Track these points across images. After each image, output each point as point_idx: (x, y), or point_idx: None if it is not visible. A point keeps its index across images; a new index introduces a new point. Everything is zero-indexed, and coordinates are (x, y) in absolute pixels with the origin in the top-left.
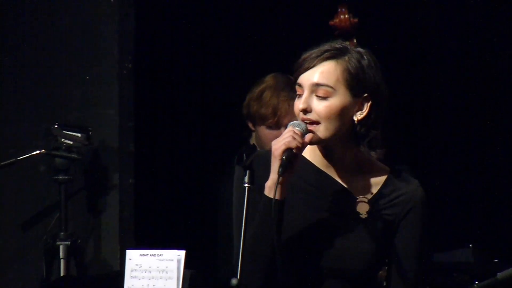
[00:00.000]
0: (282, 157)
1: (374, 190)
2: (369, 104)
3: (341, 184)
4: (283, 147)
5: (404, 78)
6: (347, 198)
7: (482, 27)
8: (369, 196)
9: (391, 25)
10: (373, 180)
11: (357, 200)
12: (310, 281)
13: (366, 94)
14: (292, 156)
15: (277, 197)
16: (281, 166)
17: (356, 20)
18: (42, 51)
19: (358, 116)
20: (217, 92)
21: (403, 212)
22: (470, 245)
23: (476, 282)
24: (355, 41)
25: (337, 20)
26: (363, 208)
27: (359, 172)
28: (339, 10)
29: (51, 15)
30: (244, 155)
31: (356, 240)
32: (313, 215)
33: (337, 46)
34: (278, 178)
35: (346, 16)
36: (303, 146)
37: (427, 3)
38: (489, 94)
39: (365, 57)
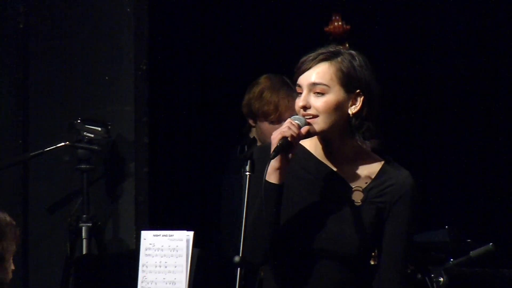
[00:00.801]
0: (277, 143)
1: (369, 179)
2: (361, 99)
3: (338, 174)
4: (279, 136)
5: (390, 76)
6: (343, 187)
7: (468, 34)
8: (364, 185)
9: (379, 31)
10: (368, 170)
11: (353, 188)
12: (305, 261)
13: (358, 90)
14: (287, 143)
15: (274, 181)
16: (274, 150)
17: (348, 27)
18: (67, 56)
19: (352, 110)
20: (222, 91)
21: (394, 200)
22: (446, 226)
23: (451, 260)
24: (347, 45)
25: (331, 26)
26: (357, 196)
27: (355, 162)
28: (333, 18)
29: (77, 24)
30: (245, 147)
31: (350, 225)
32: (311, 201)
33: (331, 49)
34: (271, 159)
35: (340, 23)
36: (298, 136)
37: (412, 11)
38: (464, 84)
39: (356, 58)
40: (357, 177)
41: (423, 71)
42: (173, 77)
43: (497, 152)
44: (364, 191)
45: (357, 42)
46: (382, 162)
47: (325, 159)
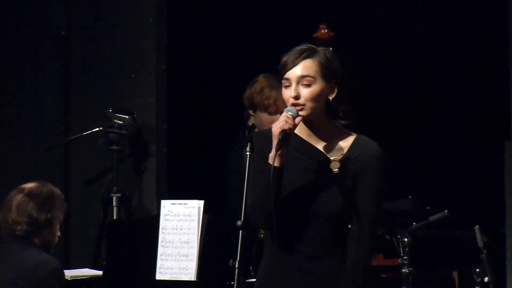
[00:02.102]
0: (279, 137)
1: (344, 151)
2: (337, 86)
3: (319, 150)
4: (279, 130)
5: (366, 71)
6: (323, 159)
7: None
8: (340, 156)
9: (358, 37)
10: (343, 144)
11: (331, 160)
12: (298, 221)
13: (334, 80)
14: (286, 135)
15: (277, 164)
16: (277, 144)
17: (332, 33)
18: (101, 57)
19: (330, 96)
20: (226, 87)
21: (365, 166)
22: (410, 196)
23: (414, 224)
24: (331, 49)
25: (318, 33)
26: (335, 166)
27: (332, 138)
28: (320, 26)
29: (109, 32)
30: (246, 132)
31: (331, 190)
32: (300, 173)
33: (308, 47)
34: (276, 152)
35: (325, 30)
36: (294, 126)
37: (384, 21)
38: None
39: (328, 53)
40: (334, 150)
41: (395, 65)
42: (187, 75)
43: (454, 134)
44: (340, 161)
45: (339, 46)
46: (354, 137)
47: (308, 138)
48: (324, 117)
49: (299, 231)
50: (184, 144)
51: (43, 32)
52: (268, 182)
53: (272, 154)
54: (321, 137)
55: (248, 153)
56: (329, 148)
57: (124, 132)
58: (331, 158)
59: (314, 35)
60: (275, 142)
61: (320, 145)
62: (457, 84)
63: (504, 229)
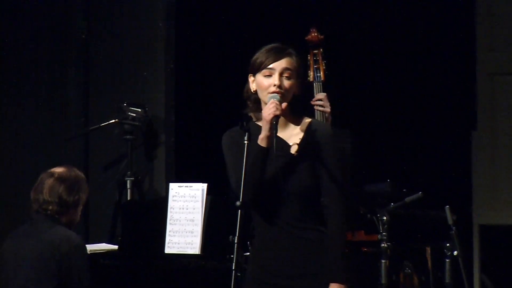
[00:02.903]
0: (272, 122)
1: (301, 135)
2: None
3: (280, 137)
4: (272, 115)
5: (349, 71)
6: (285, 145)
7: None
8: (298, 141)
9: (344, 40)
10: (300, 129)
11: (290, 145)
12: (275, 198)
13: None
14: (277, 119)
15: (265, 145)
16: (271, 127)
17: (322, 37)
18: (117, 58)
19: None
20: (226, 84)
21: (321, 145)
22: (388, 180)
23: (392, 204)
24: (321, 50)
25: (310, 36)
26: (294, 149)
27: (291, 126)
28: (311, 30)
29: (124, 36)
30: (244, 123)
31: (295, 170)
32: (269, 158)
33: (287, 47)
34: (273, 133)
35: (316, 34)
36: (282, 112)
37: (366, 25)
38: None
39: (298, 56)
40: (293, 136)
41: (376, 63)
42: (193, 72)
43: (428, 125)
44: (299, 144)
45: (328, 48)
46: (309, 121)
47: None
48: (288, 108)
49: (277, 208)
50: (190, 134)
51: (66, 36)
52: (256, 160)
53: (262, 136)
54: (282, 126)
55: (245, 141)
56: (289, 135)
57: (137, 123)
58: (291, 143)
59: (306, 38)
60: (267, 126)
61: (280, 133)
62: (431, 80)
63: (471, 209)
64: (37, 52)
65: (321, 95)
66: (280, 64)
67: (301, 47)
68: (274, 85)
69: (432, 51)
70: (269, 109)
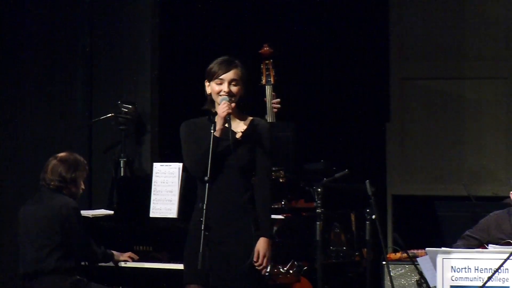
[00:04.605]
0: (226, 118)
1: (244, 127)
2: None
3: (230, 129)
4: (226, 113)
5: (293, 74)
6: (232, 134)
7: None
8: (242, 130)
9: (289, 53)
10: (244, 123)
11: (236, 134)
12: (220, 174)
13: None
14: (229, 115)
15: (218, 135)
16: (226, 122)
17: (272, 50)
18: (114, 66)
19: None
20: (201, 84)
21: (259, 135)
22: (322, 160)
23: (325, 179)
24: (271, 60)
25: (262, 50)
26: (238, 135)
27: (237, 121)
28: (264, 45)
29: (120, 51)
30: (210, 116)
31: (238, 151)
32: (221, 144)
33: (233, 59)
34: (225, 126)
35: (267, 48)
36: (232, 110)
37: (305, 40)
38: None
39: (242, 66)
40: (238, 127)
41: (312, 67)
42: (174, 78)
43: (353, 116)
44: (242, 133)
45: (277, 58)
46: (251, 118)
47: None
48: (235, 107)
49: (221, 180)
50: (170, 125)
51: (74, 49)
52: (209, 147)
53: (218, 128)
54: (233, 122)
55: (212, 131)
56: (236, 126)
57: (129, 117)
58: (236, 133)
59: (260, 51)
60: (222, 121)
61: (232, 127)
62: (355, 83)
63: (385, 183)
64: (53, 60)
65: (277, 101)
66: (228, 76)
67: (256, 59)
68: (224, 91)
69: (356, 59)
70: (222, 108)
